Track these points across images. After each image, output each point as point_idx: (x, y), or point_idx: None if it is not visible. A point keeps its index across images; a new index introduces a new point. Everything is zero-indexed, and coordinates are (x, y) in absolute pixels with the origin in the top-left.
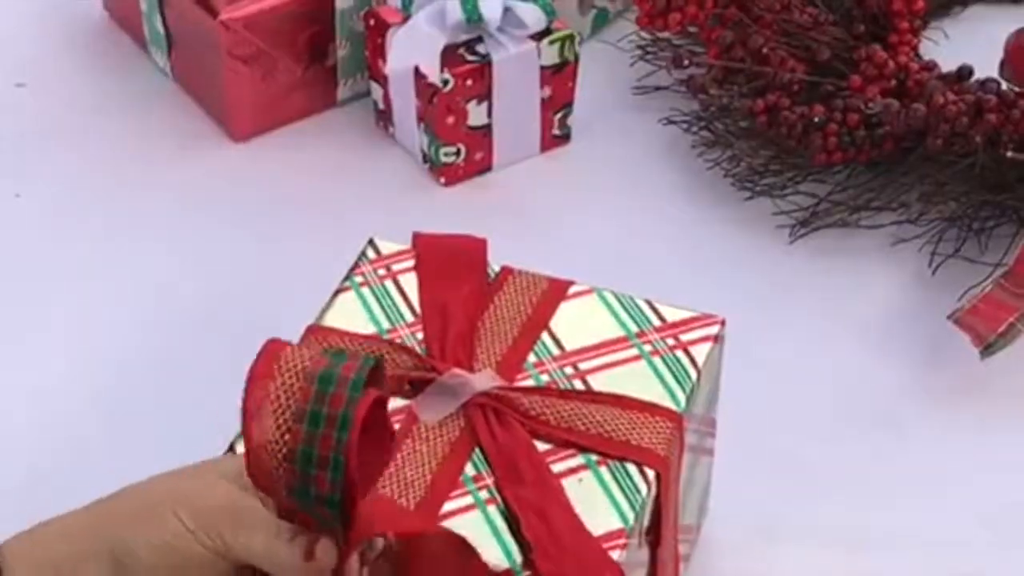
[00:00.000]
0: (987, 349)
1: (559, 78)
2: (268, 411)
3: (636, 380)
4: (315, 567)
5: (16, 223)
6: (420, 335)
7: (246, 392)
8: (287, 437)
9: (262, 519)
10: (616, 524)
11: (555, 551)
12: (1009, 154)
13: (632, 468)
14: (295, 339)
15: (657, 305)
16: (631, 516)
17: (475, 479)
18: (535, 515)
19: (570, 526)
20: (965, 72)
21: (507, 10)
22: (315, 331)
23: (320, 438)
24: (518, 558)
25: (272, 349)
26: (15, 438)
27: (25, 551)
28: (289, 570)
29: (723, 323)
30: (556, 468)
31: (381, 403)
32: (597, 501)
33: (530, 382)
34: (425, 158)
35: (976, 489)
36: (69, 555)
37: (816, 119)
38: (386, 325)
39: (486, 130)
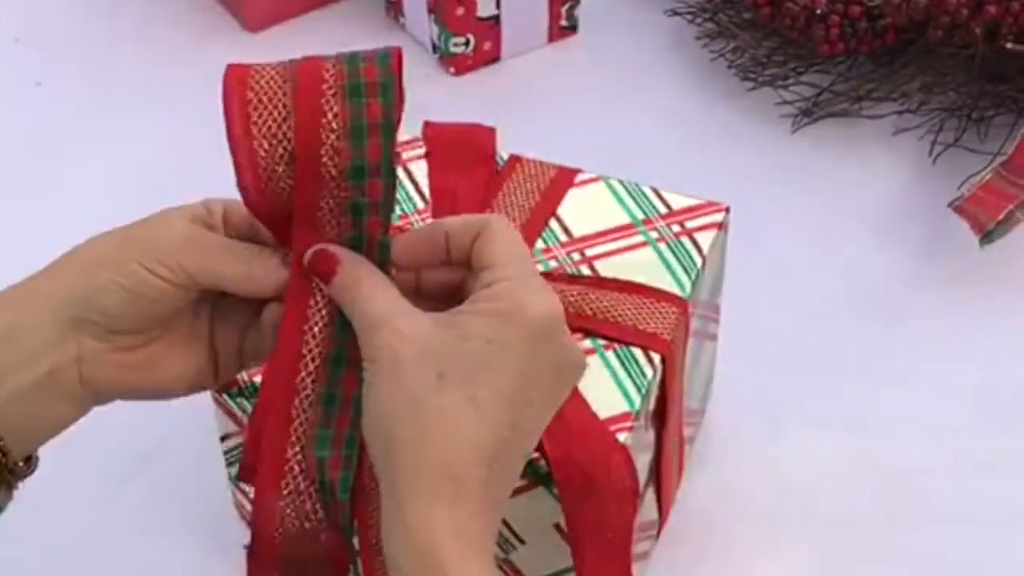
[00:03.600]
0: (986, 237)
1: None
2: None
3: (642, 266)
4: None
5: (37, 111)
6: (430, 222)
7: (227, 116)
8: (335, 156)
9: (225, 244)
10: (623, 407)
11: (562, 434)
12: (1008, 45)
13: (638, 352)
14: None
15: (663, 193)
16: (637, 400)
17: None
18: None
19: (578, 408)
20: None
21: None
22: None
23: (368, 149)
24: None
25: (234, 75)
26: None
27: None
28: (263, 281)
29: (727, 210)
30: None
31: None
32: (604, 385)
33: (539, 268)
34: (435, 48)
35: (975, 374)
36: (23, 321)
37: (819, 11)
38: (396, 212)
39: (495, 20)
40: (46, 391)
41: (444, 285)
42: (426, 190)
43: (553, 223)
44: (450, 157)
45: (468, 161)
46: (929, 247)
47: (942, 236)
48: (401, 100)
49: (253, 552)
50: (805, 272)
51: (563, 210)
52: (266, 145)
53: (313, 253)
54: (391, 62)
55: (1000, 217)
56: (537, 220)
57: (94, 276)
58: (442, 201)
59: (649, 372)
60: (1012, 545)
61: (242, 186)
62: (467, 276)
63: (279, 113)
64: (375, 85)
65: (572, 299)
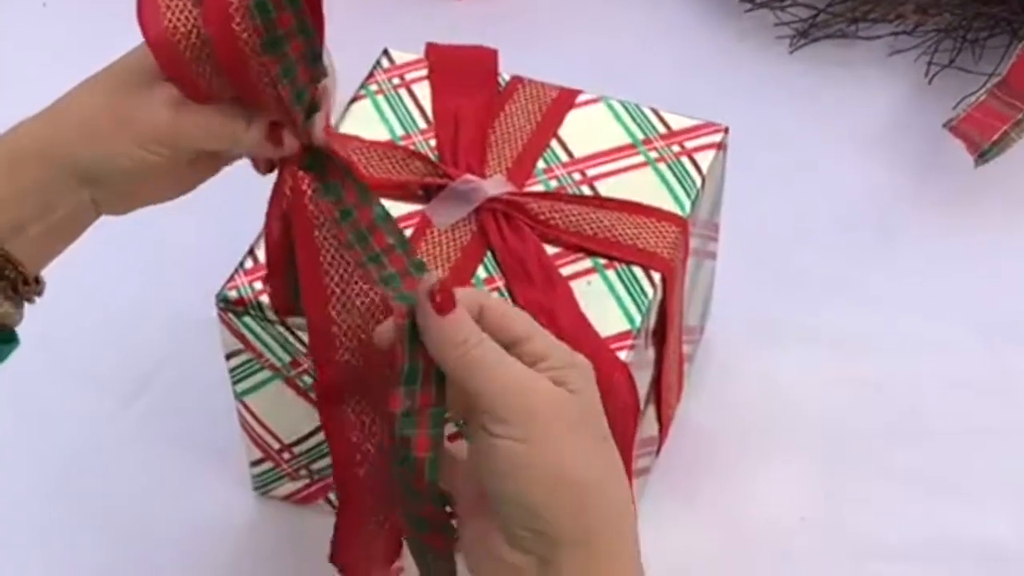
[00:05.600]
0: (981, 156)
1: None
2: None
3: (642, 186)
4: (280, 153)
5: (43, 32)
6: (433, 142)
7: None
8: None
9: (212, 116)
10: (623, 325)
11: None
12: None
13: (639, 271)
14: None
15: (663, 113)
16: (638, 318)
17: (486, 281)
18: (544, 316)
19: (579, 327)
20: None
21: None
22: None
23: (290, 50)
24: None
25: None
26: None
27: None
28: (250, 150)
29: (726, 131)
30: (565, 271)
31: None
32: (605, 303)
33: (540, 188)
34: None
35: (971, 292)
36: (31, 182)
37: None
38: (400, 132)
39: None
40: (69, 226)
41: None
42: (429, 111)
43: (554, 143)
44: (453, 79)
45: (470, 83)
46: (925, 167)
47: (938, 156)
48: None
49: (319, 389)
50: (802, 191)
51: (564, 131)
52: (190, 53)
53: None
54: None
55: (995, 137)
56: (538, 141)
57: (92, 147)
58: (445, 122)
59: (649, 291)
60: (1006, 460)
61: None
62: None
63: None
64: None
65: (573, 219)
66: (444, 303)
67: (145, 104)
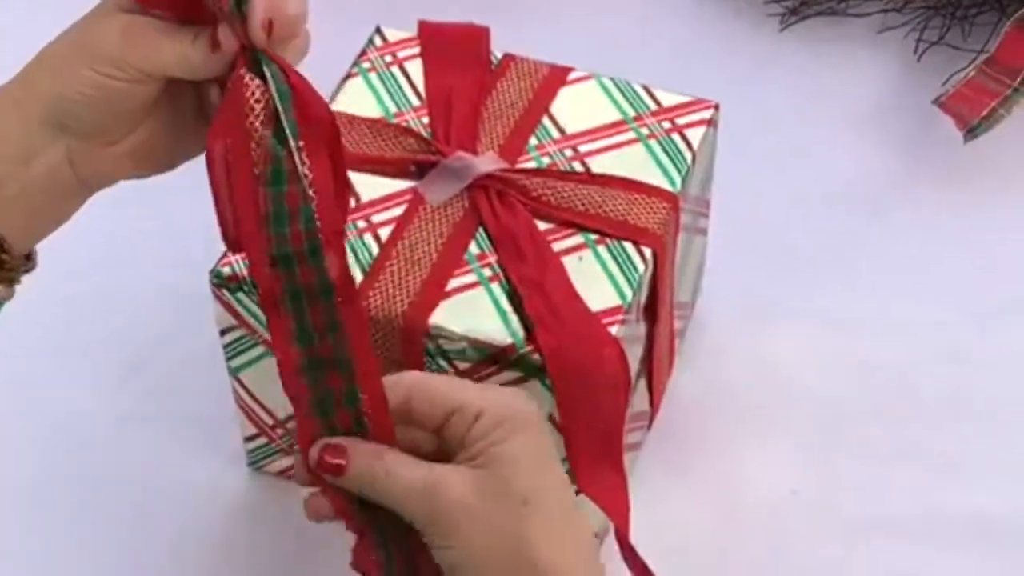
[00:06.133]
0: (971, 132)
1: None
2: None
3: (633, 162)
4: (221, 57)
5: None
6: (426, 119)
7: None
8: None
9: (162, 32)
10: (615, 301)
11: (556, 326)
12: None
13: (630, 247)
14: None
15: (653, 90)
16: (629, 293)
17: (479, 257)
18: (536, 292)
19: (571, 302)
20: None
21: None
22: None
23: None
24: (520, 333)
25: None
26: None
27: None
28: (200, 68)
29: (717, 107)
30: (557, 247)
31: None
32: (596, 278)
33: (532, 164)
34: None
35: (961, 268)
36: (5, 130)
37: None
38: (393, 109)
39: None
40: (46, 190)
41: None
42: (421, 88)
43: (546, 120)
44: (445, 56)
45: (463, 60)
46: (914, 143)
47: (927, 132)
48: None
49: (261, 298)
50: (793, 168)
51: (556, 108)
52: None
53: (320, 450)
54: None
55: (984, 113)
56: (530, 117)
57: (57, 86)
58: (437, 100)
59: (640, 266)
60: (997, 436)
61: None
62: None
63: None
64: None
65: (565, 195)
66: (334, 468)
67: (99, 29)
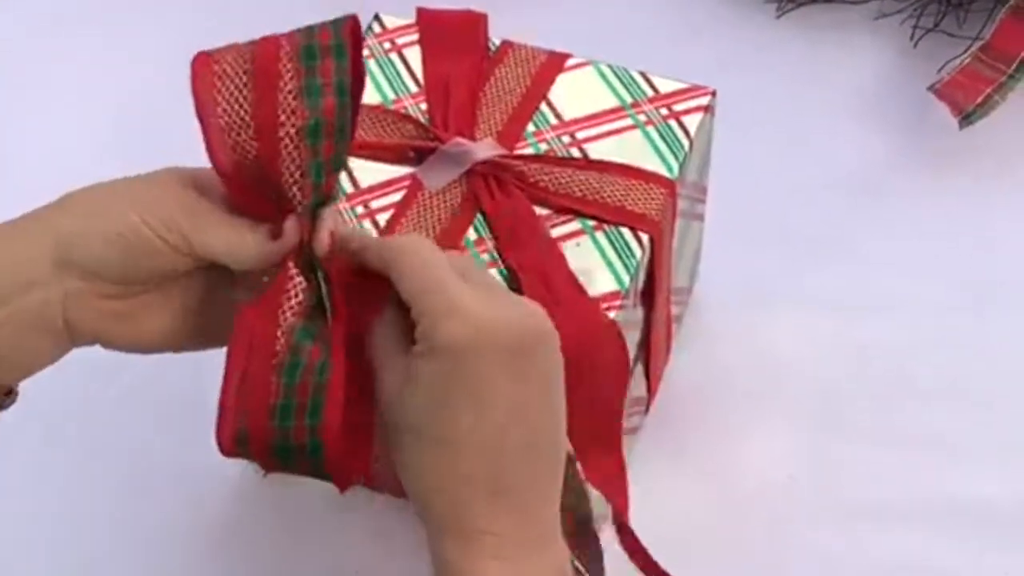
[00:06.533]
0: (966, 119)
1: None
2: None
3: (631, 148)
4: (279, 248)
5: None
6: (424, 106)
7: (196, 97)
8: (291, 115)
9: (222, 216)
10: (612, 286)
11: (555, 311)
12: None
13: (627, 233)
14: None
15: (651, 77)
16: (627, 278)
17: (476, 243)
18: (535, 277)
19: (569, 287)
20: None
21: None
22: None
23: (323, 107)
24: None
25: (201, 60)
26: None
27: None
28: (254, 258)
29: (714, 94)
30: (555, 233)
31: (355, 31)
32: (594, 264)
33: (529, 151)
34: None
35: (957, 254)
36: (21, 252)
37: None
38: (391, 96)
39: None
40: (33, 324)
41: None
42: (419, 75)
43: (543, 107)
44: (443, 43)
45: (460, 47)
46: (911, 129)
47: (923, 119)
48: (358, 66)
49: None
50: (789, 154)
51: (553, 94)
52: (229, 111)
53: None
54: (344, 27)
55: (979, 100)
56: (528, 104)
57: (91, 223)
58: (436, 86)
59: (638, 252)
60: (995, 421)
61: (213, 161)
62: None
63: (240, 80)
64: (328, 47)
65: (562, 181)
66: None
67: (157, 191)
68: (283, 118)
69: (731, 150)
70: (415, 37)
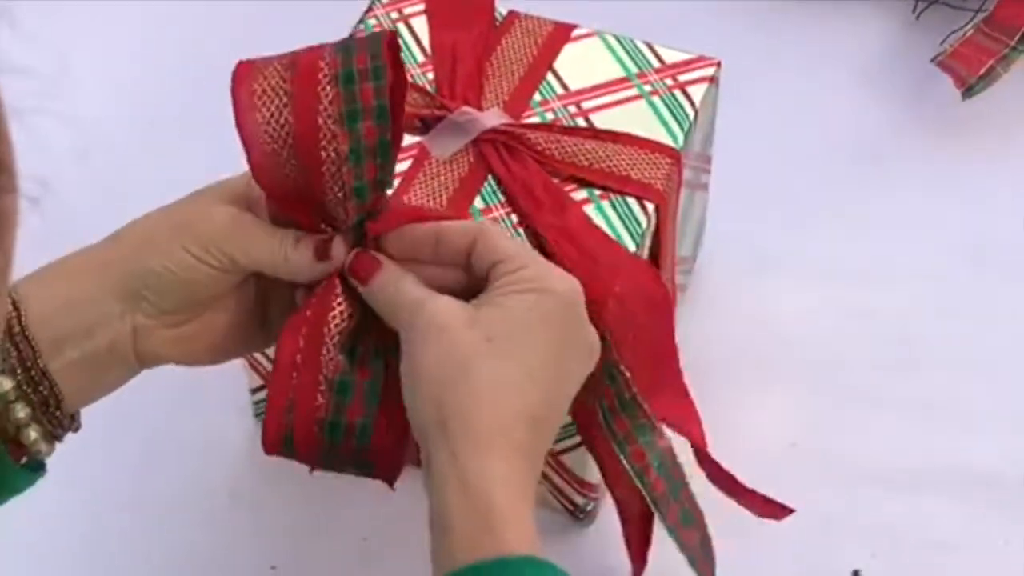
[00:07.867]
0: (968, 91)
1: None
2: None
3: (636, 118)
4: (325, 268)
5: None
6: (431, 75)
7: (237, 112)
8: (333, 140)
9: (265, 231)
10: None
11: (591, 266)
12: None
13: (633, 202)
14: None
15: (656, 47)
16: (632, 247)
17: (483, 211)
18: (562, 236)
19: (599, 241)
20: None
21: None
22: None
23: (363, 132)
24: None
25: (242, 70)
26: None
27: (39, 290)
28: (298, 272)
29: (719, 64)
30: None
31: (394, 46)
32: None
33: (535, 120)
34: None
35: (961, 222)
36: (82, 293)
37: None
38: None
39: None
40: (104, 361)
41: (443, 287)
42: (427, 45)
43: (550, 77)
44: (450, 13)
45: (467, 16)
46: (914, 100)
47: (926, 90)
48: (399, 78)
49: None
50: (793, 124)
51: (559, 64)
52: (271, 131)
53: (353, 258)
54: (381, 46)
55: (982, 72)
56: (534, 74)
57: (145, 258)
58: (442, 56)
59: (643, 221)
60: (996, 388)
61: (256, 179)
62: (464, 276)
63: (281, 101)
64: (366, 71)
65: (569, 150)
66: (364, 274)
67: (201, 213)
68: (324, 143)
69: (735, 120)
70: (422, 7)
